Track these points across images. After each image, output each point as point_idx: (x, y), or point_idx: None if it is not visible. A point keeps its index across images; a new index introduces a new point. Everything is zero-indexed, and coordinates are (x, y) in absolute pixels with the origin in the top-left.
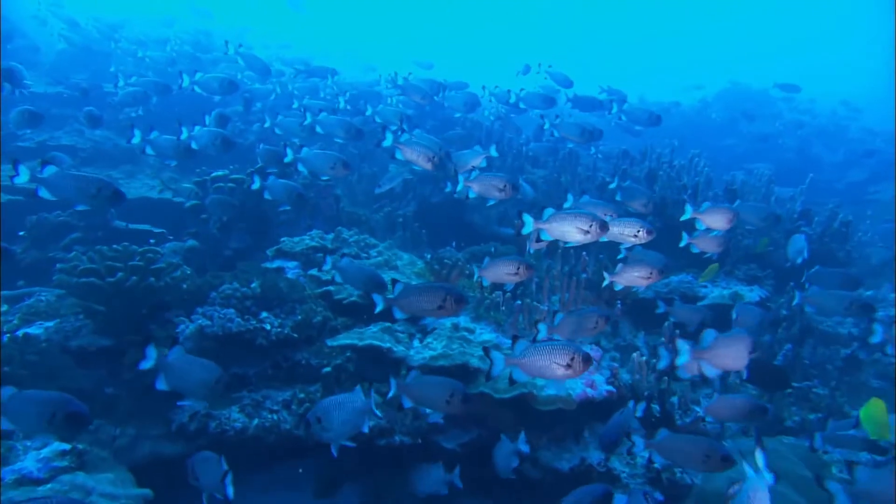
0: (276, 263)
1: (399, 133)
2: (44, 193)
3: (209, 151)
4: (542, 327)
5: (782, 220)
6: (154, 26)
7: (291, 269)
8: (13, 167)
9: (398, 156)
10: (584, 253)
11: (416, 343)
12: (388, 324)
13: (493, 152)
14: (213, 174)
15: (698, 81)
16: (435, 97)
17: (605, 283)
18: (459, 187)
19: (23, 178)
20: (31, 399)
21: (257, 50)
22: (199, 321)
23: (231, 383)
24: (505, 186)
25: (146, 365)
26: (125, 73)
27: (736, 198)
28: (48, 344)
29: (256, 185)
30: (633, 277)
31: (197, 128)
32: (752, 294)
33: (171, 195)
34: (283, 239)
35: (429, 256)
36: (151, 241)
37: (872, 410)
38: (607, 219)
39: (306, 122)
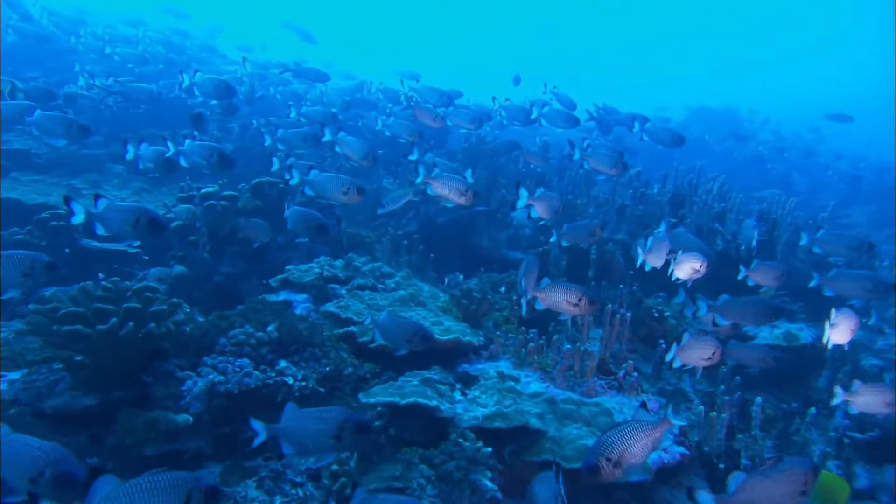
0: (283, 296)
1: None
2: (100, 230)
3: (203, 170)
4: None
5: (876, 247)
6: (117, 25)
7: (301, 302)
8: (66, 205)
9: (429, 191)
10: (621, 287)
11: (457, 395)
12: (424, 373)
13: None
14: (203, 190)
15: (662, 103)
16: (442, 109)
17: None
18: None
19: (79, 217)
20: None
21: (233, 52)
22: (211, 376)
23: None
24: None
25: None
26: (90, 72)
27: (773, 227)
28: (16, 408)
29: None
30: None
31: (188, 141)
32: (804, 333)
33: (166, 213)
34: (288, 267)
35: (457, 291)
36: (135, 267)
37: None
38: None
39: (325, 138)
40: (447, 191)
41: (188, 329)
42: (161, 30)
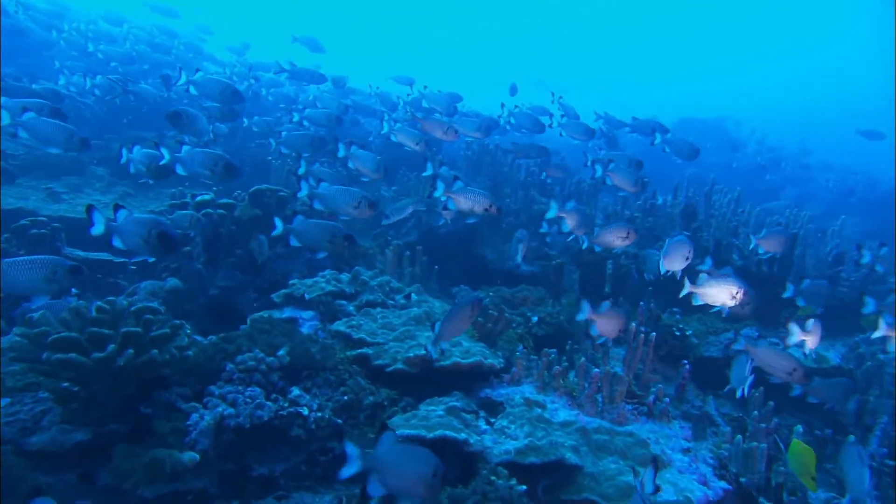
0: (287, 313)
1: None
2: (117, 243)
3: (205, 180)
4: None
5: None
6: (98, 21)
7: (307, 320)
8: (87, 215)
9: (451, 206)
10: (640, 303)
11: (482, 423)
12: (447, 400)
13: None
14: (199, 198)
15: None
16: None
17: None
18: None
19: (99, 228)
20: None
21: (221, 53)
22: (219, 408)
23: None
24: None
25: None
26: (71, 68)
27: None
28: None
29: (279, 230)
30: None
31: (185, 148)
32: (832, 354)
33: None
34: (292, 282)
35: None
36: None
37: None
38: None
39: (340, 154)
40: (471, 205)
41: (191, 353)
42: (146, 28)
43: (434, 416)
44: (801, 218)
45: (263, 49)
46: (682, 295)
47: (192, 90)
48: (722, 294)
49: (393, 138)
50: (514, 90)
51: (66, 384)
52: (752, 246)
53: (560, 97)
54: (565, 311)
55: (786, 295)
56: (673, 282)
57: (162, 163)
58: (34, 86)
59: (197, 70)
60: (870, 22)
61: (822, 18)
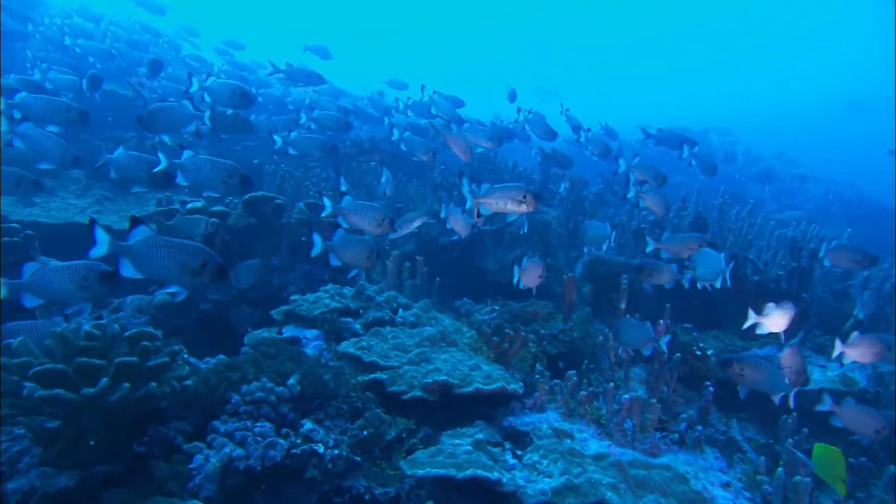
0: (289, 332)
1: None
2: (130, 271)
3: (213, 192)
4: None
5: None
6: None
7: (311, 340)
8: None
9: (484, 211)
10: (660, 321)
11: (509, 457)
12: (472, 432)
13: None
14: (189, 205)
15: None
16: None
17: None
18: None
19: (102, 249)
20: None
21: (207, 52)
22: (226, 449)
23: None
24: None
25: None
26: (46, 60)
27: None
28: None
29: (318, 250)
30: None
31: (187, 153)
32: (858, 375)
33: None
34: (294, 298)
35: (486, 327)
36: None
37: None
38: None
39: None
40: (505, 203)
41: (191, 383)
42: (125, 24)
43: (461, 452)
44: (810, 232)
45: (262, 51)
46: (745, 326)
47: (207, 98)
48: (783, 319)
49: (403, 147)
50: (513, 96)
51: (50, 423)
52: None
53: (568, 109)
54: (577, 327)
55: (859, 316)
56: (678, 292)
57: (157, 169)
58: (11, 76)
59: (209, 76)
60: (853, 26)
61: (801, 21)
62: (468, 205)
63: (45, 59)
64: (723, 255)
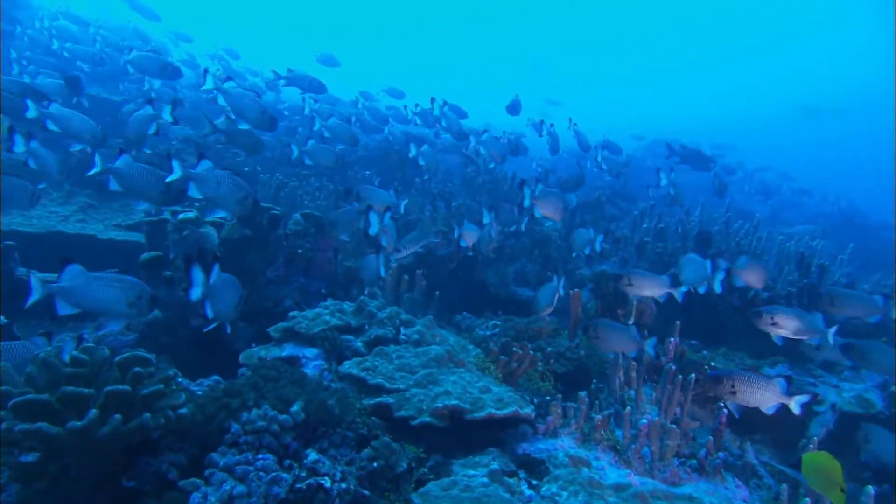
0: (288, 351)
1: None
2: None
3: (226, 209)
4: None
5: None
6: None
7: (311, 360)
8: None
9: (536, 214)
10: (670, 339)
11: (524, 487)
12: (486, 461)
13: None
14: (181, 216)
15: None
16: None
17: None
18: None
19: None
20: None
21: (202, 58)
22: (226, 486)
23: None
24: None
25: None
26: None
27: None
28: None
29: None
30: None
31: (205, 163)
32: (874, 397)
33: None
34: (293, 314)
35: (492, 344)
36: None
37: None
38: None
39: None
40: (553, 210)
41: (187, 412)
42: (114, 28)
43: (477, 485)
44: (816, 248)
45: (262, 54)
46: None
47: (221, 100)
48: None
49: (421, 161)
50: (516, 107)
51: (26, 458)
52: None
53: (575, 124)
54: (584, 344)
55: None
56: (684, 307)
57: (169, 179)
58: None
59: (227, 78)
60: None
61: (759, 28)
62: (526, 202)
63: (33, 61)
64: (708, 262)
